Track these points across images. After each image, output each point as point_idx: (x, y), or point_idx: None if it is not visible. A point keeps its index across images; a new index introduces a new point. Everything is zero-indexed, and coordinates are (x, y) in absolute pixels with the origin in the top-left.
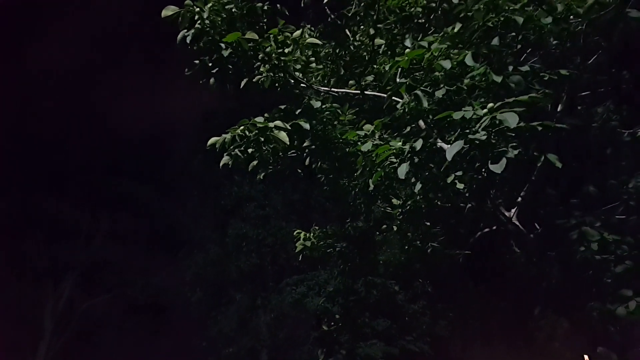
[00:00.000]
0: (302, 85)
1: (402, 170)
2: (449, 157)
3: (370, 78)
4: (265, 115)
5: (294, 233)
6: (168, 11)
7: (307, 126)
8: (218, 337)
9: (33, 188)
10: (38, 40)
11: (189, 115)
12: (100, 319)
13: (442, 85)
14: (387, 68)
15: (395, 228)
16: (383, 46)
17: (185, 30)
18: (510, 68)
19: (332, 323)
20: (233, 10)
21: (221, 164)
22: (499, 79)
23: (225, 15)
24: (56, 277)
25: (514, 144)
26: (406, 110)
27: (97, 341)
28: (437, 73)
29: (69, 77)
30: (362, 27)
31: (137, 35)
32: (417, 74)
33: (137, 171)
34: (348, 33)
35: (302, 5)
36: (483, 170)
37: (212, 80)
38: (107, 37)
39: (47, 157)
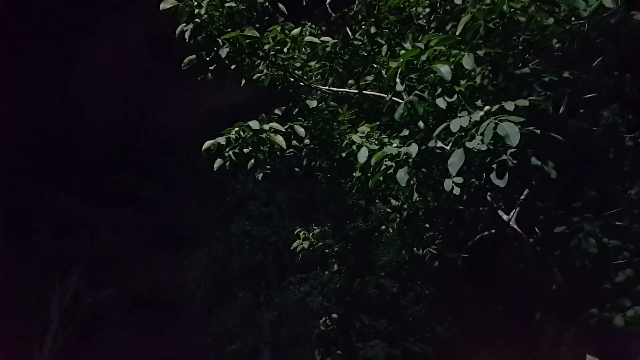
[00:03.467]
0: (301, 83)
1: (402, 177)
2: (452, 171)
3: (370, 78)
4: (263, 115)
5: (295, 232)
6: (166, 4)
7: (302, 132)
8: (221, 334)
9: (40, 182)
10: (45, 33)
11: (195, 112)
12: (105, 312)
13: (440, 90)
14: (385, 70)
15: (391, 230)
16: (383, 47)
17: (184, 25)
18: (511, 70)
19: (329, 323)
20: (232, 5)
21: (215, 167)
22: (498, 80)
23: (223, 11)
24: (62, 271)
25: (513, 150)
26: (404, 113)
27: (102, 334)
28: (432, 75)
29: (77, 72)
30: (363, 26)
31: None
32: (413, 75)
33: (143, 167)
34: (349, 31)
35: (304, 3)
36: (482, 176)
37: (209, 75)
38: (114, 32)
39: (55, 151)
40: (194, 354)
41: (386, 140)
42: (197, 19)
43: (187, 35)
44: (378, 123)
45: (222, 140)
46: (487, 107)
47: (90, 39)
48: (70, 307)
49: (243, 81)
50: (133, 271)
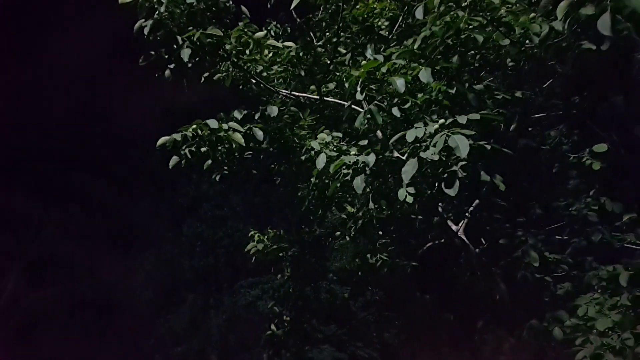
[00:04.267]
0: (262, 86)
1: (359, 184)
2: (405, 179)
3: (331, 85)
4: (221, 114)
5: (249, 234)
6: None
7: (260, 134)
8: (167, 336)
9: None
10: None
11: (148, 111)
12: (45, 314)
13: (396, 101)
14: (347, 78)
15: (348, 238)
16: (346, 55)
17: (143, 20)
18: (467, 86)
19: (280, 326)
20: (193, 2)
21: (170, 165)
22: (452, 89)
23: (184, 8)
24: (0, 269)
25: (464, 162)
26: (364, 121)
27: (41, 336)
28: (391, 86)
29: (29, 66)
30: (327, 33)
31: (101, 24)
32: (373, 86)
33: (93, 165)
34: (313, 36)
35: (269, 6)
36: (434, 186)
37: (167, 73)
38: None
39: (1, 145)
40: (138, 356)
41: (345, 147)
42: (156, 15)
43: (146, 31)
44: (340, 134)
45: (178, 137)
46: (441, 120)
47: (46, 32)
48: (8, 307)
49: (202, 79)
50: (77, 272)
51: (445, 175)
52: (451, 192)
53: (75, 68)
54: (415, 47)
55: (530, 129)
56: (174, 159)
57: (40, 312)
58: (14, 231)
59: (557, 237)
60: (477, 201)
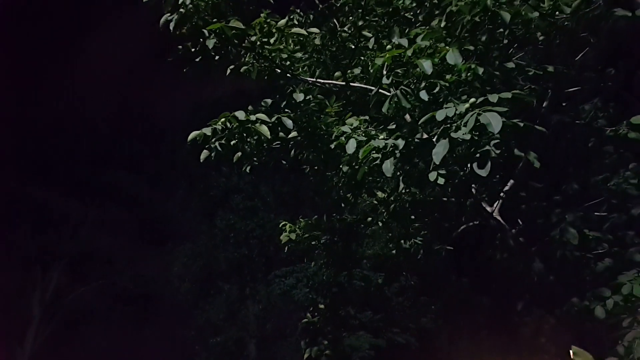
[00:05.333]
0: (287, 75)
1: (387, 168)
2: (436, 160)
3: (357, 70)
4: (249, 107)
5: (280, 225)
6: None
7: (289, 123)
8: (206, 327)
9: (22, 177)
10: (23, 28)
11: (180, 106)
12: (88, 307)
13: (424, 84)
14: (372, 64)
15: (380, 224)
16: (371, 39)
17: (169, 15)
18: (497, 64)
19: (316, 314)
20: None
21: (201, 158)
22: (480, 70)
23: (208, 0)
24: (44, 266)
25: (497, 141)
26: (392, 106)
27: (85, 330)
28: (418, 69)
29: (61, 67)
30: (350, 18)
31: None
32: (399, 70)
33: (126, 161)
34: (336, 22)
35: None
36: (466, 167)
37: (195, 67)
38: (100, 24)
39: (37, 146)
40: (178, 347)
41: (373, 132)
42: (181, 9)
43: (171, 26)
44: (367, 117)
45: (208, 131)
46: (472, 100)
47: (77, 33)
48: (53, 303)
49: (228, 71)
50: (116, 266)
51: (478, 155)
52: (483, 172)
53: (107, 68)
54: (442, 25)
55: (564, 104)
56: (205, 153)
57: (84, 306)
58: (54, 230)
59: (595, 213)
60: (511, 181)
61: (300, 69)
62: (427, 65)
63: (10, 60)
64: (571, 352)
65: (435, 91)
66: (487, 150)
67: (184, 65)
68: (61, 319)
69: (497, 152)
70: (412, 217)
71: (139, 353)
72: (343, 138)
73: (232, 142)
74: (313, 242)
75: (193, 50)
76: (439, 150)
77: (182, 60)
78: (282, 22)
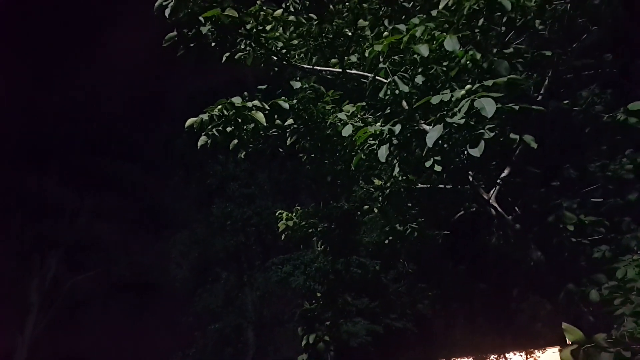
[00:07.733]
0: (284, 62)
1: (382, 153)
2: (429, 143)
3: (353, 58)
4: (245, 94)
5: (276, 213)
6: None
7: (286, 106)
8: (204, 313)
9: (18, 165)
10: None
11: (176, 94)
12: (86, 295)
13: (420, 70)
14: (368, 52)
15: (376, 210)
16: (366, 28)
17: (164, 0)
18: (495, 51)
19: (314, 301)
20: None
21: (199, 145)
22: (478, 55)
23: None
24: (42, 254)
25: (492, 125)
26: (388, 92)
27: (83, 317)
28: (415, 56)
29: (55, 55)
30: (347, 4)
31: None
32: (396, 57)
33: (122, 150)
34: (332, 8)
35: None
36: (462, 153)
37: (190, 54)
38: (100, 11)
39: (33, 134)
40: (176, 333)
41: (370, 119)
42: None
43: (167, 12)
44: (364, 103)
45: (205, 117)
46: (468, 86)
47: (72, 21)
48: (51, 291)
49: (224, 58)
50: (114, 254)
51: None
52: (476, 152)
53: (103, 56)
54: (440, 7)
55: (561, 90)
56: (202, 139)
57: (82, 294)
58: (51, 219)
59: (592, 199)
60: (508, 168)
61: (296, 56)
62: (423, 49)
63: (5, 49)
64: (563, 326)
65: (431, 72)
66: (481, 132)
67: (179, 52)
68: (60, 306)
69: (491, 134)
70: (409, 204)
71: (137, 340)
72: (340, 124)
73: (228, 129)
74: (310, 230)
75: (189, 35)
76: (433, 134)
77: (178, 47)
78: (279, 12)
